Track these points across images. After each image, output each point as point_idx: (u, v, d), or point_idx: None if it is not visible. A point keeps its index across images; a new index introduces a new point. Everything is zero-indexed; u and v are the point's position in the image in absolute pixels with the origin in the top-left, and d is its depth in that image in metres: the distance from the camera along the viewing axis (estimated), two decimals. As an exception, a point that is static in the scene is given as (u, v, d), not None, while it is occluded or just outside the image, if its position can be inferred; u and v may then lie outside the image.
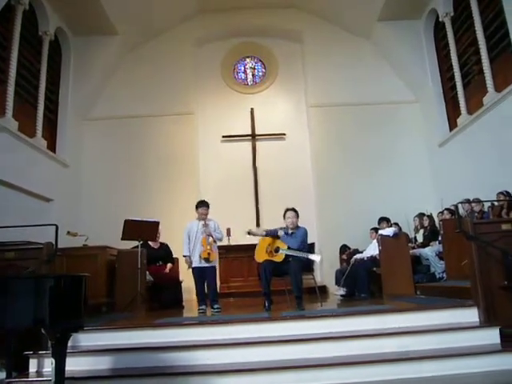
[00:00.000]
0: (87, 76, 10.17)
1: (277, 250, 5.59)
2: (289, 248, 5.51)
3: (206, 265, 5.83)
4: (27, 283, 2.87)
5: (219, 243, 6.58)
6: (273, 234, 5.78)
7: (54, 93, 9.77)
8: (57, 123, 9.75)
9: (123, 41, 10.51)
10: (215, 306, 5.81)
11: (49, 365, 3.42)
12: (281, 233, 5.69)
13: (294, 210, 5.82)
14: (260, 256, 5.74)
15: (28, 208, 7.96)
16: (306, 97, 11.18)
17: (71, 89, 9.95)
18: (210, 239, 5.90)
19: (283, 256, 5.47)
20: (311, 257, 5.42)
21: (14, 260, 4.64)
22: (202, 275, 5.90)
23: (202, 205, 6.07)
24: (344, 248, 9.33)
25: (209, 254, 5.79)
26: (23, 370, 3.94)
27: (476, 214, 6.81)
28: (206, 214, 6.05)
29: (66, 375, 3.02)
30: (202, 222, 5.94)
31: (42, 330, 2.95)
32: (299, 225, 5.84)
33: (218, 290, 8.97)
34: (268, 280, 5.49)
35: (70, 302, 2.95)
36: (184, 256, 5.99)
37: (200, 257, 5.81)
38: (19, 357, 3.90)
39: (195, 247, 5.87)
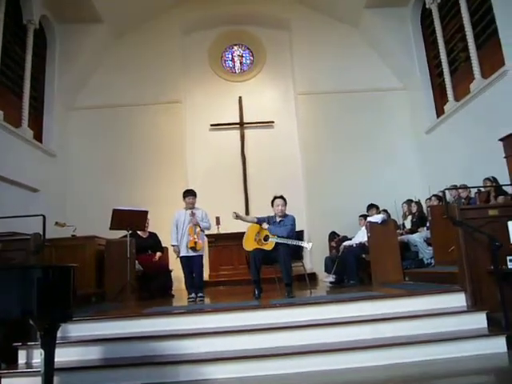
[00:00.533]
0: (73, 65, 10.04)
1: (266, 238, 5.57)
2: (278, 237, 5.51)
3: (193, 254, 5.84)
4: (15, 274, 2.84)
5: (208, 232, 6.60)
6: (260, 223, 5.75)
7: (40, 82, 9.63)
8: (43, 113, 9.63)
9: (109, 29, 10.37)
10: (199, 295, 5.86)
11: (38, 356, 3.40)
12: (265, 225, 5.64)
13: (282, 197, 5.79)
14: (248, 245, 5.71)
15: (14, 198, 7.88)
16: (293, 85, 11.15)
17: (57, 78, 9.82)
18: (197, 229, 5.90)
19: (273, 244, 5.47)
20: (303, 244, 5.42)
21: (2, 251, 4.60)
22: (189, 264, 5.91)
23: (189, 194, 6.07)
24: (333, 235, 9.37)
25: (195, 243, 5.80)
26: (12, 362, 3.92)
27: (463, 200, 6.86)
28: (193, 203, 6.06)
29: (56, 366, 3.02)
30: (190, 211, 5.94)
31: (31, 321, 2.92)
32: (287, 212, 5.83)
33: (208, 278, 9.09)
34: (258, 268, 5.48)
35: (58, 292, 2.93)
36: (172, 245, 6.00)
37: (187, 246, 5.81)
38: (8, 348, 3.88)
39: (183, 236, 5.87)
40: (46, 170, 9.13)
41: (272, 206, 5.82)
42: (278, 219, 5.72)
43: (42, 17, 9.26)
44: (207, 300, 6.19)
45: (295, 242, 5.41)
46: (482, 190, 6.65)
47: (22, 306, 2.77)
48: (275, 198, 5.82)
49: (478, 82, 7.77)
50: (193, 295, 5.84)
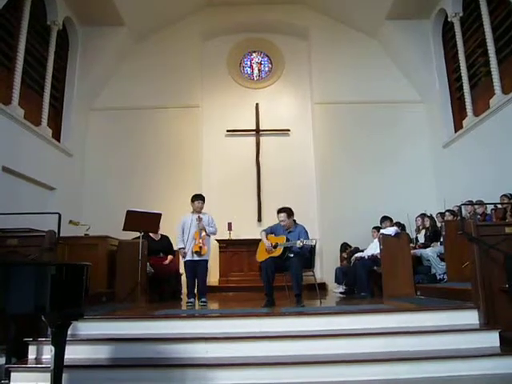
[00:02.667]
0: (93, 66, 10.17)
1: (275, 246, 5.58)
2: (287, 240, 5.53)
3: (198, 258, 5.86)
4: (30, 270, 2.87)
5: (219, 237, 6.62)
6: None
7: (61, 82, 9.77)
8: (62, 112, 9.76)
9: (130, 32, 10.50)
10: (202, 300, 5.87)
11: (48, 352, 3.43)
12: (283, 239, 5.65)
13: (284, 210, 5.76)
14: (261, 256, 5.74)
15: (31, 196, 7.99)
16: (311, 94, 11.16)
17: (77, 78, 9.95)
18: (203, 233, 5.91)
19: (281, 249, 5.48)
20: (308, 242, 5.37)
21: (17, 247, 4.67)
22: (193, 269, 5.93)
23: (199, 198, 6.10)
24: (345, 246, 9.33)
25: (200, 247, 5.83)
26: (22, 357, 3.96)
27: (479, 217, 6.78)
28: (201, 208, 6.08)
29: (65, 363, 3.03)
30: (196, 216, 5.95)
31: (43, 317, 2.95)
32: (298, 222, 5.82)
33: (217, 283, 9.10)
34: (270, 280, 5.45)
35: (71, 290, 2.95)
36: (179, 248, 6.04)
37: (192, 250, 5.83)
38: (19, 343, 3.92)
39: (188, 241, 5.89)
40: (63, 169, 9.24)
41: (278, 218, 5.84)
42: (286, 230, 5.73)
43: (65, 18, 9.41)
44: (216, 305, 6.21)
45: (300, 243, 5.34)
46: (499, 206, 6.57)
47: (36, 301, 2.79)
48: (278, 211, 5.83)
49: (498, 98, 7.70)
50: (192, 299, 5.84)
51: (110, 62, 10.59)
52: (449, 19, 9.31)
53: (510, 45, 7.64)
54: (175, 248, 7.51)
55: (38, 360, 3.94)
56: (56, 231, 4.68)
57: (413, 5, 9.66)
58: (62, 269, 2.93)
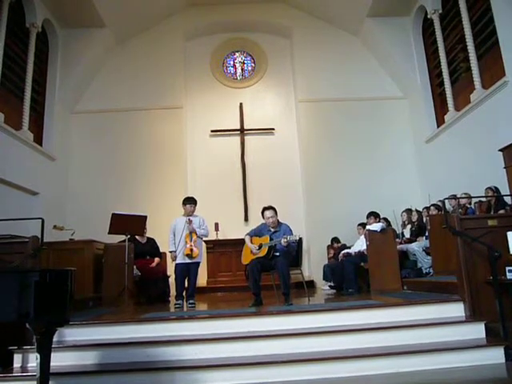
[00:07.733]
0: (75, 69, 10.04)
1: (260, 246, 5.58)
2: (271, 240, 5.53)
3: (190, 261, 5.84)
4: (12, 277, 2.82)
5: (207, 238, 6.60)
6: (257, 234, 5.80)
7: (41, 85, 9.65)
8: (44, 116, 9.63)
9: (111, 33, 10.42)
10: (190, 301, 5.87)
11: (33, 360, 3.38)
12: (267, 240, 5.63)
13: (271, 208, 5.75)
14: (246, 259, 5.73)
15: (13, 201, 7.87)
16: (294, 92, 11.18)
17: (58, 81, 9.83)
18: (194, 236, 5.90)
19: (266, 249, 5.48)
20: (292, 238, 5.36)
21: (0, 254, 4.58)
22: (184, 271, 5.92)
23: (190, 201, 6.09)
24: (332, 243, 9.36)
25: (191, 250, 5.82)
26: (8, 366, 3.89)
27: (460, 210, 6.86)
28: (193, 211, 6.06)
29: (51, 371, 2.99)
30: (187, 219, 5.94)
31: (27, 325, 2.90)
32: (281, 221, 5.81)
33: (206, 284, 9.08)
34: (257, 279, 5.41)
35: (55, 296, 2.91)
36: (170, 252, 6.03)
37: (183, 253, 5.82)
38: (4, 352, 3.85)
39: (180, 243, 5.87)
40: (46, 173, 9.12)
41: (263, 217, 5.81)
42: (272, 230, 5.71)
43: (44, 20, 9.29)
44: (204, 306, 6.18)
45: (283, 240, 5.31)
46: (483, 199, 6.64)
47: (19, 309, 2.75)
48: (264, 209, 5.80)
49: (478, 93, 7.80)
50: (180, 301, 5.85)
51: (91, 65, 10.49)
52: (428, 16, 9.42)
53: (488, 40, 7.74)
54: (162, 250, 7.50)
55: (23, 368, 3.87)
56: (39, 237, 4.61)
57: (393, 2, 9.79)
58: (46, 275, 2.89)
